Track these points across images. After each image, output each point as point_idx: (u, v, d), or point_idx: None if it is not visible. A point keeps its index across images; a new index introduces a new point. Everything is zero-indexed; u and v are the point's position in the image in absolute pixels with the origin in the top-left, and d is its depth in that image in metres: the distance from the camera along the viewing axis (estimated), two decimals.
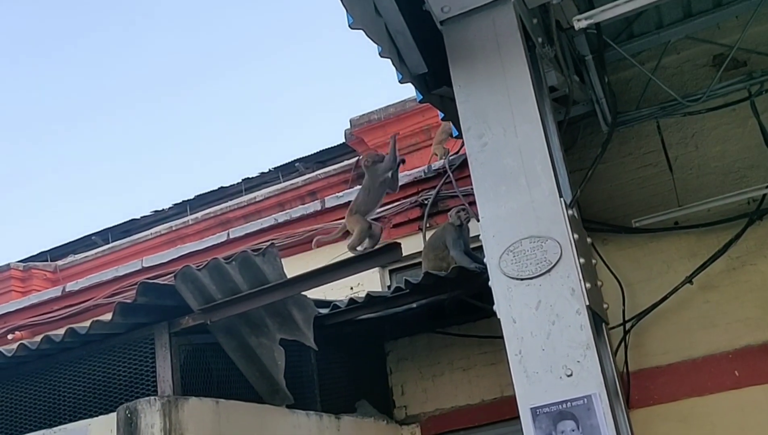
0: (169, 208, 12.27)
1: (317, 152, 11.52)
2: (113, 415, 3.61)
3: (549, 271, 2.53)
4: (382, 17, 2.95)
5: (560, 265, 2.52)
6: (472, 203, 6.42)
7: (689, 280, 5.82)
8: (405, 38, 3.04)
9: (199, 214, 10.56)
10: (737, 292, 5.76)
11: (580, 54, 5.71)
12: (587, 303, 2.46)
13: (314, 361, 5.39)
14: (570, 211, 2.61)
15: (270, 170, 11.91)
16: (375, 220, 6.99)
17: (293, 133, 36.15)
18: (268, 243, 7.26)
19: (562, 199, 2.59)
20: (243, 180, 11.92)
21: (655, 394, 5.78)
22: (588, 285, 2.51)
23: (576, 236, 2.57)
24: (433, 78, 2.95)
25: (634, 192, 6.26)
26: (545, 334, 2.49)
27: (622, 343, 5.90)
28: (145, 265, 7.95)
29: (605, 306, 2.85)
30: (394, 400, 6.57)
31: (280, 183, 10.81)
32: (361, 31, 2.69)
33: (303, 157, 11.58)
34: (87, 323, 4.14)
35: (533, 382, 2.47)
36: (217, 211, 10.08)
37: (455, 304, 5.57)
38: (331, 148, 11.36)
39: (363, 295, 5.58)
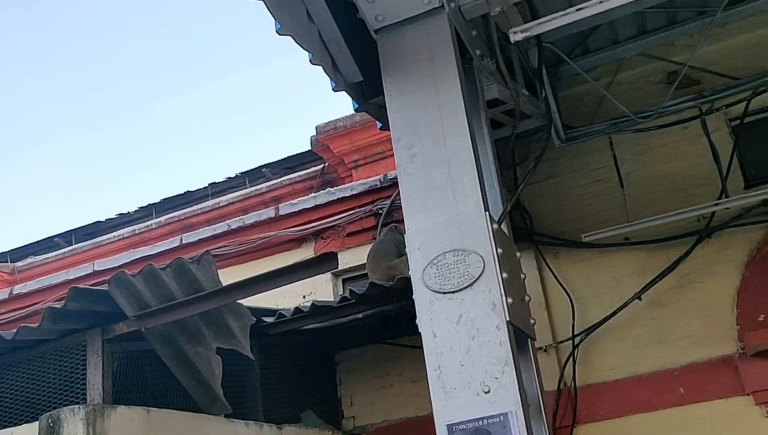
0: (135, 211, 12.10)
1: (285, 158, 11.44)
2: (36, 424, 3.50)
3: (471, 285, 2.50)
4: (315, 24, 2.91)
5: (482, 279, 2.49)
6: None
7: (638, 296, 5.85)
8: (339, 46, 3.00)
9: (162, 218, 10.43)
10: (684, 309, 5.80)
11: (533, 67, 5.74)
12: (508, 318, 2.44)
13: (258, 370, 5.32)
14: (495, 226, 2.58)
15: (237, 175, 11.82)
16: (328, 228, 6.97)
17: (266, 139, 36.00)
18: (223, 248, 7.21)
19: (487, 213, 2.56)
20: (209, 184, 11.81)
21: (601, 410, 5.78)
22: (510, 300, 2.48)
23: (500, 251, 2.54)
24: (370, 87, 2.92)
25: (586, 207, 6.28)
26: (465, 349, 2.45)
27: (571, 358, 5.90)
28: (97, 268, 7.81)
29: (532, 321, 2.82)
30: (343, 411, 6.52)
31: (246, 188, 10.73)
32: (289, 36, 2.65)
33: (270, 163, 11.49)
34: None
35: (450, 398, 2.44)
36: (180, 216, 9.96)
37: (403, 315, 5.53)
38: (299, 154, 11.29)
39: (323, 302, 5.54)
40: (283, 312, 5.23)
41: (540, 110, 5.85)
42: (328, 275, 6.90)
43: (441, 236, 2.60)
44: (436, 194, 2.65)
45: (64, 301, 3.72)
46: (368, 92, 3.06)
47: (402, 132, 2.77)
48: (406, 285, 4.98)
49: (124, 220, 12.24)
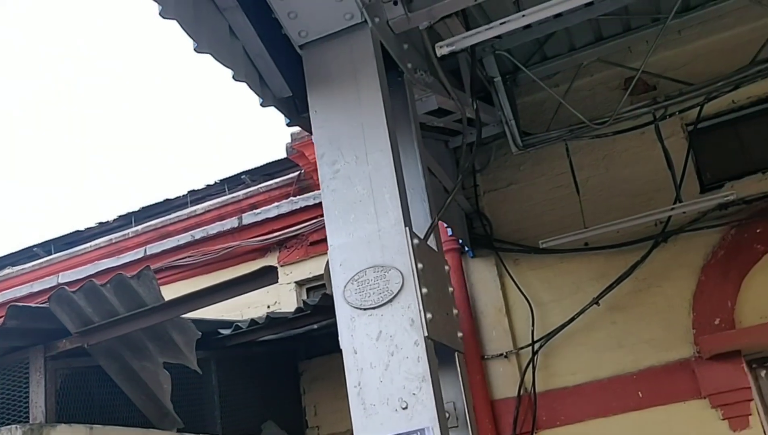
0: (114, 220, 12.03)
1: (264, 165, 11.37)
2: None
3: (390, 301, 2.50)
4: (239, 39, 2.92)
5: (401, 295, 2.49)
6: None
7: (596, 301, 5.87)
8: (266, 62, 3.00)
9: (139, 227, 10.37)
10: (643, 314, 5.83)
11: (488, 76, 5.76)
12: (426, 334, 2.43)
13: (216, 382, 5.30)
14: (416, 241, 2.58)
15: (216, 183, 11.74)
16: (292, 237, 6.96)
17: (247, 145, 35.95)
18: (187, 258, 7.18)
19: (407, 228, 2.56)
20: (188, 192, 11.75)
21: (562, 415, 5.81)
22: (430, 315, 2.48)
23: (420, 266, 2.54)
24: (302, 101, 2.91)
25: (546, 213, 6.31)
26: (384, 365, 2.45)
27: (530, 364, 5.92)
28: (61, 280, 7.76)
29: (459, 335, 2.83)
30: (307, 421, 6.50)
31: (225, 195, 10.69)
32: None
33: (250, 170, 11.43)
34: None
35: (370, 415, 2.43)
36: (158, 224, 9.89)
37: None
38: (278, 160, 11.22)
39: (278, 313, 5.53)
40: (239, 324, 5.22)
41: (496, 118, 5.88)
42: (293, 285, 6.89)
43: (362, 252, 2.59)
44: (357, 210, 2.65)
45: (2, 319, 3.71)
46: (300, 106, 3.06)
47: (325, 148, 2.77)
48: None
49: (103, 229, 12.17)
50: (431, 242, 2.90)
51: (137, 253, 7.61)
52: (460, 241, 6.13)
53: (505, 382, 5.95)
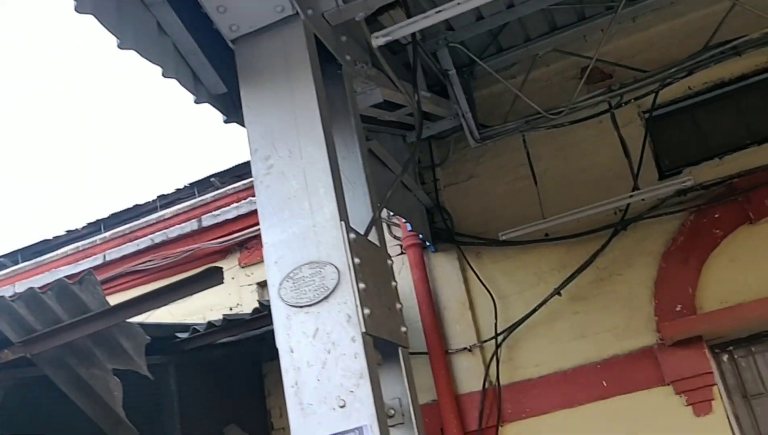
0: (83, 227, 11.82)
1: (234, 166, 11.22)
2: None
3: (327, 297, 2.43)
4: (168, 36, 2.84)
5: (338, 291, 2.43)
6: None
7: (557, 291, 5.86)
8: (198, 58, 2.92)
9: (107, 234, 10.20)
10: (605, 303, 5.83)
11: (443, 69, 5.71)
12: (364, 330, 2.37)
13: (175, 387, 5.20)
14: (352, 235, 2.52)
15: (186, 186, 11.57)
16: (252, 238, 6.85)
17: (218, 147, 35.66)
18: (148, 263, 7.06)
19: (343, 223, 2.50)
20: (158, 197, 11.56)
21: (527, 407, 5.78)
22: (368, 311, 2.42)
23: (357, 261, 2.48)
24: (239, 97, 2.83)
25: (507, 205, 6.28)
26: (321, 363, 2.39)
27: (494, 357, 5.89)
28: (17, 290, 7.60)
29: (403, 330, 2.77)
30: (272, 423, 6.43)
31: (194, 198, 10.53)
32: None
33: (219, 172, 11.27)
34: None
35: (308, 415, 2.37)
36: (125, 230, 9.73)
37: None
38: (248, 162, 11.04)
39: (234, 315, 5.44)
40: (196, 327, 5.12)
41: (453, 111, 5.84)
42: (254, 286, 6.80)
43: (297, 249, 2.53)
44: (292, 206, 2.58)
45: None
46: (237, 103, 2.97)
47: (259, 143, 2.70)
48: None
49: (72, 236, 11.96)
50: (373, 237, 2.84)
51: (96, 259, 7.46)
52: (421, 236, 6.08)
53: (469, 376, 5.92)
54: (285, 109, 2.70)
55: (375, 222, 2.83)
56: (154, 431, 4.68)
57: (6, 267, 11.86)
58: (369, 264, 2.61)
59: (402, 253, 6.38)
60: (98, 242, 10.01)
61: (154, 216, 10.25)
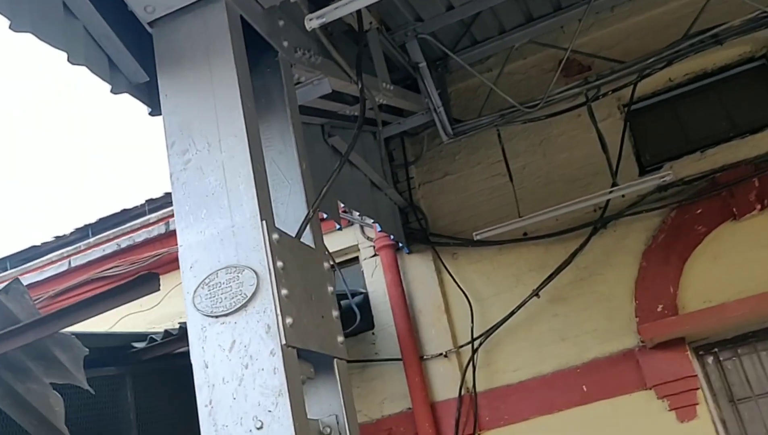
0: (71, 233, 11.53)
1: None
2: None
3: (245, 306, 2.18)
4: (78, 19, 2.58)
5: (256, 298, 2.18)
6: None
7: (536, 293, 5.61)
8: (113, 43, 2.67)
9: (92, 239, 9.91)
10: (585, 304, 5.58)
11: (413, 61, 5.47)
12: (284, 342, 2.12)
13: (132, 399, 4.94)
14: (275, 236, 2.27)
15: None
16: None
17: None
18: (114, 269, 6.79)
19: (263, 222, 2.25)
20: (146, 201, 11.30)
21: (505, 414, 5.54)
22: (290, 320, 2.17)
23: (280, 264, 2.23)
24: None
25: (483, 203, 6.04)
26: (238, 380, 2.14)
27: (470, 364, 5.64)
28: None
29: (339, 340, 2.52)
30: None
31: None
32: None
33: None
34: None
35: None
36: (110, 235, 9.43)
37: None
38: None
39: None
40: (153, 336, 4.86)
41: (424, 106, 5.59)
42: None
43: (214, 251, 2.28)
44: (209, 204, 2.33)
45: None
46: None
47: (176, 136, 2.45)
48: None
49: (60, 242, 11.68)
50: (308, 238, 2.59)
51: (61, 266, 7.20)
52: (392, 236, 5.82)
53: (445, 382, 5.66)
54: (205, 99, 2.45)
55: (309, 221, 2.58)
56: None
57: None
58: (297, 268, 2.36)
59: (375, 255, 6.13)
60: (82, 248, 9.74)
61: (139, 220, 10.01)
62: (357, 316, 5.61)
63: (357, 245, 6.32)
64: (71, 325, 3.38)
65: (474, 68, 5.82)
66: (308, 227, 2.61)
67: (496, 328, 5.65)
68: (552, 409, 5.43)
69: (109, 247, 7.00)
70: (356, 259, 6.37)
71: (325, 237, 6.16)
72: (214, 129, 2.40)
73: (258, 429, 2.07)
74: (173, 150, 2.44)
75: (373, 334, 6.01)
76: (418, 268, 6.02)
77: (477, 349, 5.65)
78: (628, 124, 5.73)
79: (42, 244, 11.94)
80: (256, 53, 2.88)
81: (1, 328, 3.45)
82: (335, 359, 2.48)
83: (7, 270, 11.41)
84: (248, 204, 2.29)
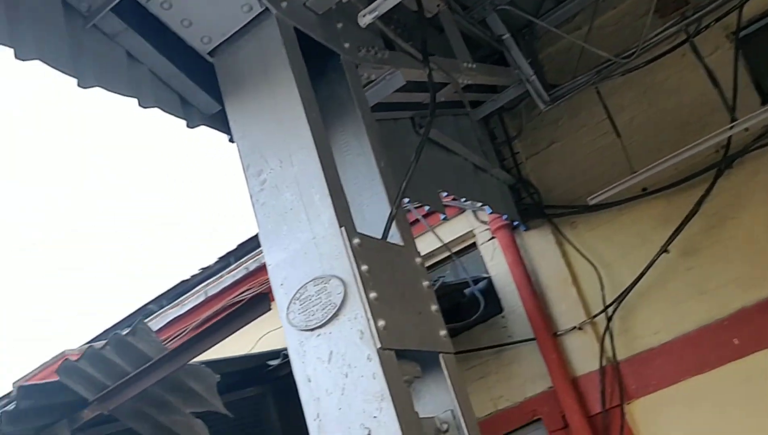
0: (214, 263, 11.94)
1: None
2: None
3: (336, 315, 2.17)
4: (143, 63, 2.67)
5: (346, 306, 2.16)
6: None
7: (664, 249, 5.31)
8: (181, 80, 2.73)
9: (233, 265, 10.08)
10: (721, 252, 5.22)
11: (496, 35, 5.32)
12: (379, 345, 2.09)
13: (276, 416, 5.09)
14: (356, 241, 2.24)
15: None
16: None
17: None
18: (246, 292, 7.04)
19: (342, 229, 2.23)
20: None
21: (652, 380, 5.27)
22: (382, 323, 2.14)
23: (365, 268, 2.20)
24: None
25: (594, 165, 5.78)
26: (340, 389, 2.12)
27: (607, 332, 5.41)
28: None
29: (442, 333, 2.46)
30: None
31: None
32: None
33: None
34: None
35: None
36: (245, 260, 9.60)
37: None
38: None
39: None
40: (286, 352, 4.98)
41: (515, 78, 5.42)
42: None
43: (300, 266, 2.28)
44: (289, 220, 2.34)
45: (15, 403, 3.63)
46: None
47: (250, 158, 2.48)
48: None
49: (206, 274, 12.20)
50: (394, 236, 2.55)
51: (198, 297, 7.53)
52: (505, 216, 5.68)
53: (584, 355, 5.46)
54: (270, 117, 2.47)
55: (393, 219, 2.54)
56: None
57: (153, 312, 12.28)
58: (385, 268, 2.33)
59: (492, 237, 6.01)
60: (224, 275, 10.08)
61: None
62: (481, 303, 5.51)
63: (472, 231, 6.22)
64: (196, 356, 3.52)
65: (562, 29, 5.58)
66: (394, 225, 2.57)
67: (628, 292, 5.39)
68: (703, 368, 5.11)
69: (239, 273, 7.23)
70: (474, 244, 6.27)
71: (439, 227, 6.15)
72: (284, 145, 2.41)
73: None
74: (249, 172, 2.46)
75: (503, 317, 5.89)
76: (538, 243, 5.84)
77: (612, 316, 5.41)
78: (740, 52, 5.32)
79: (191, 277, 12.54)
80: (319, 60, 2.87)
81: (135, 367, 3.63)
82: (440, 354, 2.42)
83: (163, 308, 12.04)
84: (326, 214, 2.27)
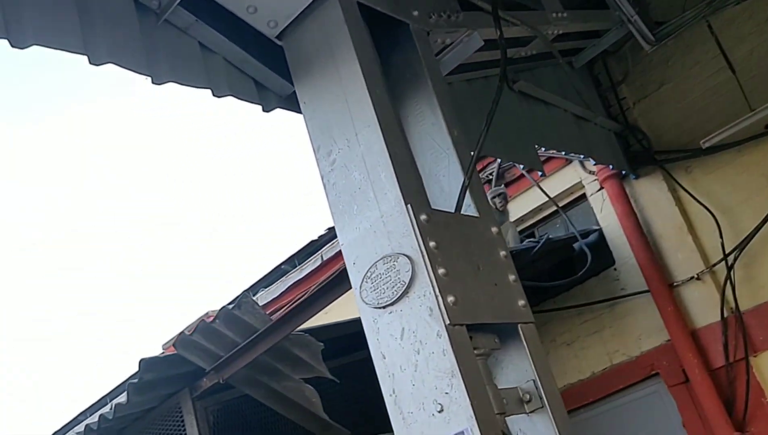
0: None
1: None
2: None
3: (406, 292, 2.17)
4: (216, 53, 2.74)
5: (414, 283, 2.16)
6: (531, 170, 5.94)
7: None
8: (254, 66, 2.78)
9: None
10: None
11: None
12: (448, 322, 2.09)
13: None
14: (423, 216, 2.24)
15: None
16: None
17: None
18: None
19: (408, 206, 2.23)
20: None
21: None
22: (452, 299, 2.14)
23: (432, 244, 2.19)
24: None
25: (711, 104, 5.44)
26: (413, 366, 2.14)
27: (728, 282, 5.13)
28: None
29: (521, 303, 2.43)
30: None
31: None
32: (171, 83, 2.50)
33: None
34: None
35: (409, 424, 2.14)
36: None
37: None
38: None
39: None
40: None
41: (615, 20, 5.15)
42: None
43: (370, 244, 2.30)
44: (358, 199, 2.35)
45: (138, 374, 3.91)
46: None
47: (320, 139, 2.50)
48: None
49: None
50: (468, 208, 2.53)
51: (315, 261, 7.76)
52: (611, 166, 5.47)
53: (703, 307, 5.21)
54: (336, 96, 2.48)
55: (466, 190, 2.51)
56: (367, 429, 4.66)
57: (287, 272, 12.69)
58: (457, 242, 2.31)
59: (601, 188, 5.81)
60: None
61: None
62: (588, 258, 5.35)
63: (581, 182, 6.03)
64: (297, 326, 3.65)
65: None
66: (469, 196, 2.54)
67: (752, 238, 5.08)
68: None
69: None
70: (583, 196, 6.09)
71: (546, 181, 6.00)
72: (350, 124, 2.42)
73: (439, 413, 2.07)
74: (320, 154, 2.50)
75: (615, 269, 5.71)
76: (649, 191, 5.59)
77: (733, 265, 5.12)
78: None
79: (318, 237, 12.80)
80: (392, 30, 2.85)
81: (244, 338, 3.81)
82: (519, 325, 2.40)
83: (295, 266, 12.36)
84: (391, 191, 2.28)
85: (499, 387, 2.39)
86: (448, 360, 2.08)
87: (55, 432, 7.59)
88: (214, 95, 2.65)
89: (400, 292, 2.20)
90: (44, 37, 2.22)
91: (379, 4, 2.71)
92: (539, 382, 2.36)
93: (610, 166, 5.48)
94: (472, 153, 2.56)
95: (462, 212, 2.51)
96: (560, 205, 6.04)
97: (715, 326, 5.14)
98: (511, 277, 2.47)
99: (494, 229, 2.54)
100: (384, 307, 2.24)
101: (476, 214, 2.54)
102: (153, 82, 2.47)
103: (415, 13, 2.88)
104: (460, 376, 2.05)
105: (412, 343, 2.17)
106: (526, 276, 5.25)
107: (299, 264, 12.26)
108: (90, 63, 2.29)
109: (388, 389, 2.21)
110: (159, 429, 4.35)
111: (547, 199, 5.93)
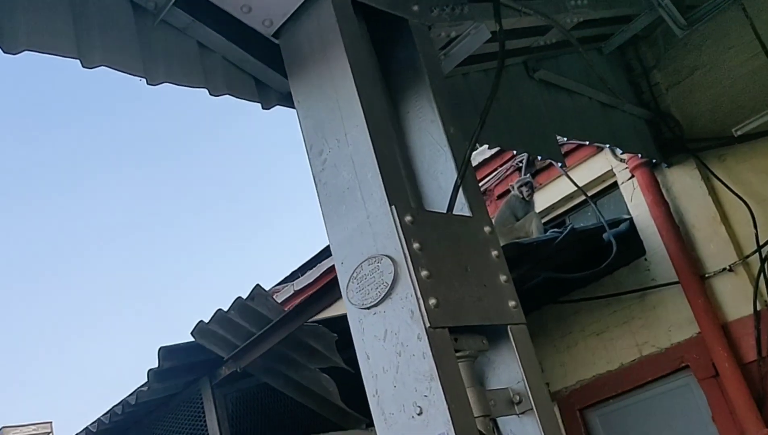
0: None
1: None
2: None
3: (388, 294, 2.17)
4: (215, 51, 2.76)
5: (397, 285, 2.16)
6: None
7: None
8: (252, 64, 2.80)
9: None
10: None
11: None
12: (428, 325, 2.09)
13: None
14: (408, 218, 2.23)
15: None
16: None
17: None
18: None
19: (392, 207, 2.22)
20: None
21: None
22: (433, 301, 2.13)
23: (416, 246, 2.18)
24: None
25: (746, 89, 5.28)
26: (395, 367, 2.14)
27: (762, 274, 4.99)
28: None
29: (511, 304, 2.40)
30: None
31: None
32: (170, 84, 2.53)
33: None
34: None
35: (390, 426, 2.14)
36: None
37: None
38: None
39: None
40: None
41: (644, 4, 5.03)
42: None
43: (357, 245, 2.30)
44: (347, 199, 2.36)
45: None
46: None
47: (312, 138, 2.51)
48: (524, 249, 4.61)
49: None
50: (462, 206, 2.51)
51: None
52: (640, 155, 5.35)
53: (736, 299, 5.08)
54: (328, 95, 2.48)
55: (458, 189, 2.49)
56: None
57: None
58: (443, 243, 2.30)
59: (632, 176, 5.69)
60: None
61: None
62: (613, 248, 5.25)
63: (612, 170, 5.92)
64: (310, 318, 3.68)
65: None
66: (462, 195, 2.52)
67: None
68: None
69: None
70: (615, 184, 5.97)
71: (575, 170, 5.91)
72: (340, 124, 2.42)
73: (418, 415, 2.07)
74: (312, 152, 2.50)
75: (645, 259, 5.60)
76: (681, 180, 5.46)
77: (767, 256, 4.98)
78: None
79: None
80: (393, 25, 2.83)
81: (258, 329, 3.87)
82: (509, 326, 2.38)
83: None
84: (377, 192, 2.27)
85: (490, 388, 2.39)
86: (427, 363, 2.07)
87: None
88: (211, 94, 2.68)
89: (383, 294, 2.20)
90: (37, 42, 2.27)
91: (374, 1, 2.69)
92: (527, 384, 2.33)
93: (639, 155, 5.36)
94: (466, 152, 2.53)
95: (455, 211, 2.50)
96: (591, 193, 5.94)
97: (747, 320, 5.01)
98: (502, 278, 2.45)
99: (487, 229, 2.51)
100: (369, 308, 2.24)
101: (469, 214, 2.51)
102: (148, 83, 2.50)
103: (415, 7, 2.85)
104: (438, 379, 2.04)
105: (394, 345, 2.17)
106: (550, 266, 5.21)
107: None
108: (83, 67, 2.34)
109: (372, 390, 2.22)
110: (181, 414, 4.46)
111: (579, 186, 5.83)
